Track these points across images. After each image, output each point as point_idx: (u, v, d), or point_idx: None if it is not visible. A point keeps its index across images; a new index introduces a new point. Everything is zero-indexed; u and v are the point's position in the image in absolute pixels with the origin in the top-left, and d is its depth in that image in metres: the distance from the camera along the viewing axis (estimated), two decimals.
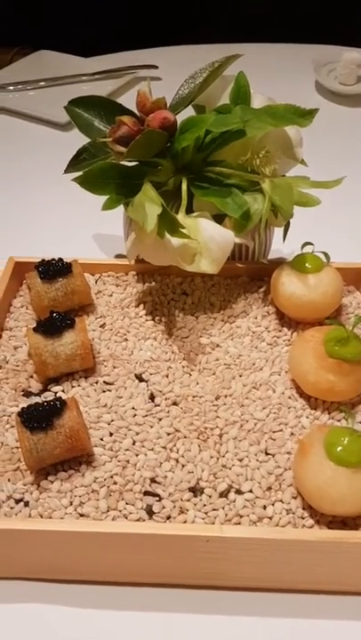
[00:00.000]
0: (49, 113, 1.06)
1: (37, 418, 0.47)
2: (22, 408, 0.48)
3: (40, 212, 0.87)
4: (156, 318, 0.63)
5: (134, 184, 0.60)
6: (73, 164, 0.66)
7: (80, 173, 0.58)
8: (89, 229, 0.83)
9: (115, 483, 0.49)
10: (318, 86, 1.19)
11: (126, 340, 0.61)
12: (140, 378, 0.57)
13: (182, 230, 0.54)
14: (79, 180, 0.58)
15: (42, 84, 1.15)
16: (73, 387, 0.56)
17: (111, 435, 0.52)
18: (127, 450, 0.51)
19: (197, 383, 0.56)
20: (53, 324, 0.55)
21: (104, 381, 0.56)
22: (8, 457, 0.51)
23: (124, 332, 0.61)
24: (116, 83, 1.15)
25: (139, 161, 0.61)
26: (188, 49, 1.31)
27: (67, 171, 0.66)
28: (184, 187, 0.60)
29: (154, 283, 0.66)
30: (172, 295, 0.65)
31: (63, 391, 0.56)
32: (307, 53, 1.25)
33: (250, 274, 0.67)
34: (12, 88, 1.15)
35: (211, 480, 0.49)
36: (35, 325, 0.56)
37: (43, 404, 0.48)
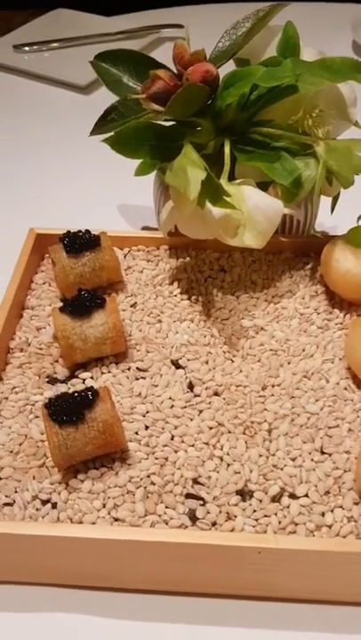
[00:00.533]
0: (68, 74, 0.99)
1: (67, 410, 0.42)
2: (50, 399, 0.43)
3: (60, 181, 0.81)
4: (193, 298, 0.57)
5: (171, 147, 0.53)
6: (100, 126, 0.59)
7: (109, 135, 0.52)
8: (113, 200, 0.76)
9: (152, 483, 0.43)
10: (356, 47, 1.10)
11: (160, 321, 0.55)
12: (176, 364, 0.51)
13: (226, 199, 0.48)
14: (110, 142, 0.51)
15: (59, 44, 1.08)
16: (103, 373, 0.51)
17: (147, 428, 0.47)
18: (165, 446, 0.45)
19: (241, 371, 0.50)
20: (82, 303, 0.49)
21: (137, 367, 0.51)
22: (33, 451, 0.46)
23: (158, 313, 0.55)
24: (139, 43, 1.07)
25: (176, 120, 0.54)
26: (216, 8, 1.23)
27: (93, 132, 0.59)
28: (227, 150, 0.53)
29: (188, 258, 0.60)
30: (209, 272, 0.59)
31: (92, 378, 0.50)
32: (344, 13, 1.17)
33: (294, 249, 0.61)
34: (27, 49, 1.07)
35: (261, 482, 0.43)
36: (60, 305, 0.50)
37: (73, 394, 0.43)
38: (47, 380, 0.50)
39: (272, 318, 0.55)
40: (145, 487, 0.43)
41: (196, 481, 0.44)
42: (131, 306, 0.56)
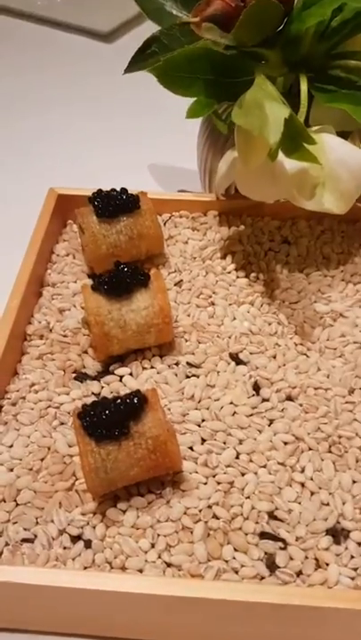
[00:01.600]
0: (89, 20, 0.87)
1: (107, 422, 0.31)
2: (84, 406, 0.32)
3: (83, 138, 0.69)
4: (252, 275, 0.46)
5: (231, 83, 0.42)
6: (138, 60, 0.48)
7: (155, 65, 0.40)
8: (145, 159, 0.65)
9: (215, 516, 0.33)
10: None
11: (213, 304, 0.44)
12: (236, 359, 0.41)
13: (308, 147, 0.37)
14: (157, 72, 0.40)
15: None
16: (144, 369, 0.40)
17: (204, 442, 0.36)
18: (229, 466, 0.35)
19: (319, 369, 0.40)
20: (121, 280, 0.38)
21: (187, 362, 0.40)
22: (58, 469, 0.36)
23: (209, 294, 0.45)
24: None
25: (239, 50, 0.43)
26: None
27: (129, 69, 0.48)
28: (303, 88, 0.42)
29: (242, 227, 0.49)
30: (270, 244, 0.48)
31: (131, 375, 0.40)
32: None
33: None
34: None
35: (358, 518, 0.33)
36: (91, 282, 0.40)
37: (114, 400, 0.32)
38: (74, 375, 0.40)
39: (353, 302, 0.44)
40: (206, 522, 0.33)
41: (272, 515, 0.33)
42: (175, 284, 0.45)
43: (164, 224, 0.50)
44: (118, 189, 0.45)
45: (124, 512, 0.34)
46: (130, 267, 0.39)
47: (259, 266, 0.46)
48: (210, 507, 0.34)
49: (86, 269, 0.47)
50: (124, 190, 0.44)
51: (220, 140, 0.50)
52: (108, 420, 0.31)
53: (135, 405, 0.32)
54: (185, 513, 0.33)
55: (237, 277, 0.46)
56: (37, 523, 0.34)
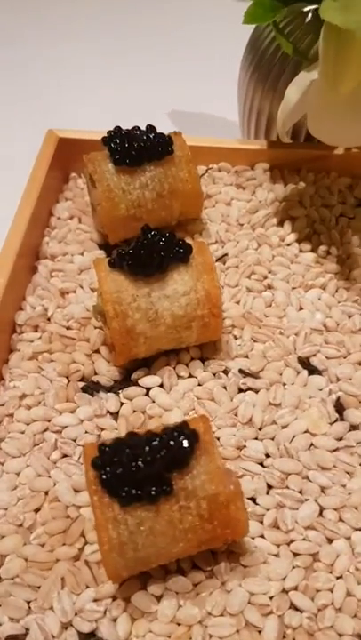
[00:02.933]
0: None
1: (139, 475, 0.20)
2: (101, 448, 0.21)
3: (90, 76, 0.56)
4: (321, 249, 0.34)
5: None
6: None
7: None
8: (169, 99, 0.52)
9: (294, 608, 0.22)
10: None
11: (270, 287, 0.33)
12: (308, 365, 0.29)
13: None
14: None
15: None
16: (180, 377, 0.29)
17: (270, 489, 0.25)
18: (309, 528, 0.24)
19: None
20: (152, 253, 0.26)
21: (240, 370, 0.29)
22: (60, 527, 0.24)
23: (264, 274, 0.33)
24: None
25: None
26: None
27: None
28: None
29: (303, 184, 0.37)
30: (341, 208, 0.36)
31: (162, 386, 0.29)
32: None
33: None
34: None
35: None
36: (108, 256, 0.28)
37: (148, 439, 0.21)
38: (82, 385, 0.29)
39: None
40: (280, 616, 0.22)
41: None
42: (217, 260, 0.34)
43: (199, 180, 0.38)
44: (144, 127, 0.32)
45: (159, 599, 0.23)
46: (164, 234, 0.27)
47: (329, 236, 0.35)
48: (285, 592, 0.23)
49: (97, 237, 0.35)
50: (151, 129, 0.32)
51: (272, 74, 0.37)
52: (142, 472, 0.20)
53: (182, 447, 0.21)
54: (249, 602, 0.23)
55: (301, 252, 0.34)
56: (29, 610, 0.23)
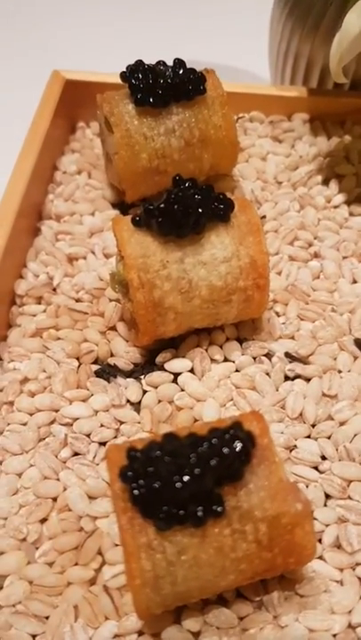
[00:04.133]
0: None
1: (181, 492, 0.15)
2: (130, 454, 0.16)
3: (98, 16, 0.50)
4: None
5: None
6: None
7: None
8: (189, 40, 0.46)
9: None
10: None
11: (318, 256, 0.28)
12: None
13: None
14: None
15: None
16: (213, 361, 0.24)
17: (328, 499, 0.21)
18: None
19: None
20: (186, 208, 0.21)
21: (287, 354, 0.24)
22: (72, 543, 0.20)
23: (310, 240, 0.28)
24: None
25: None
26: None
27: None
28: None
29: (349, 137, 0.32)
30: None
31: (192, 372, 0.24)
32: None
33: None
34: None
35: None
36: (129, 215, 0.23)
37: (194, 442, 0.16)
38: (95, 369, 0.24)
39: None
40: None
41: None
42: None
43: None
44: (173, 62, 0.27)
45: (196, 636, 0.18)
46: (200, 186, 0.22)
47: None
48: (352, 628, 0.19)
49: (110, 195, 0.30)
50: (180, 63, 0.27)
51: (314, 12, 0.32)
52: (187, 488, 0.15)
53: (236, 455, 0.16)
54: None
55: (351, 215, 0.29)
56: None
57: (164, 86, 0.26)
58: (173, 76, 0.26)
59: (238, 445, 0.16)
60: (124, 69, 0.27)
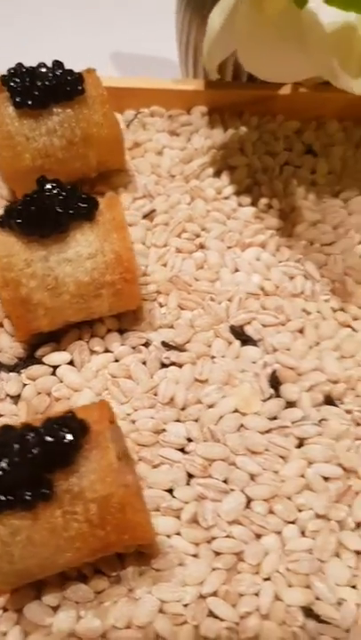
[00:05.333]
0: None
1: (11, 476, 0.17)
2: None
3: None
4: (262, 202, 0.30)
5: None
6: None
7: None
8: (99, 33, 0.47)
9: (214, 616, 0.19)
10: None
11: (202, 247, 0.29)
12: (242, 335, 0.26)
13: None
14: None
15: None
16: (93, 353, 0.25)
17: (190, 479, 0.22)
18: (234, 523, 0.21)
19: None
20: (47, 208, 0.22)
21: (163, 342, 0.25)
22: None
23: (197, 232, 0.29)
24: None
25: None
26: None
27: None
28: None
29: (245, 129, 0.33)
30: (287, 155, 0.32)
31: (71, 363, 0.25)
32: None
33: None
34: None
35: None
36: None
37: (24, 432, 0.17)
38: None
39: None
40: (196, 626, 0.19)
41: (310, 612, 0.20)
42: (144, 217, 0.30)
43: (128, 126, 0.33)
44: (51, 64, 0.28)
45: (55, 609, 0.20)
46: (62, 186, 0.23)
47: (272, 188, 0.31)
48: (203, 598, 0.20)
49: (7, 193, 0.31)
50: (57, 65, 0.28)
51: (207, 4, 0.32)
52: (10, 475, 0.16)
53: (62, 443, 0.17)
54: (160, 611, 0.19)
55: (240, 206, 0.30)
56: None
57: (42, 88, 0.27)
58: (52, 77, 0.27)
59: (64, 434, 0.17)
60: (6, 72, 0.28)
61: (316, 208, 0.30)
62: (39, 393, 0.24)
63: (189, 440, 0.23)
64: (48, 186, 0.23)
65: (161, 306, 0.27)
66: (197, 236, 0.29)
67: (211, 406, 0.24)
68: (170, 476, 0.22)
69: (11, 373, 0.25)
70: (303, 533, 0.21)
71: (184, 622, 0.19)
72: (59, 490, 0.17)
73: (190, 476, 0.22)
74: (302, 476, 0.22)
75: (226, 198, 0.30)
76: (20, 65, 0.28)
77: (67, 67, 0.28)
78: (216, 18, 0.25)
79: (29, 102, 0.27)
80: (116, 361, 0.25)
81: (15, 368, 0.25)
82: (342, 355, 0.25)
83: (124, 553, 0.20)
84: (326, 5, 0.23)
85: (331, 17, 0.23)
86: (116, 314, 0.25)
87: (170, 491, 0.22)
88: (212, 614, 0.20)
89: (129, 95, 0.34)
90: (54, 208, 0.22)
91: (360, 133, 0.33)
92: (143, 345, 0.25)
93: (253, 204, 0.30)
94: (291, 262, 0.28)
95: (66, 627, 0.19)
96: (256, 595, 0.20)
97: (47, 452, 0.17)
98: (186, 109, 0.34)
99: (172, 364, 0.25)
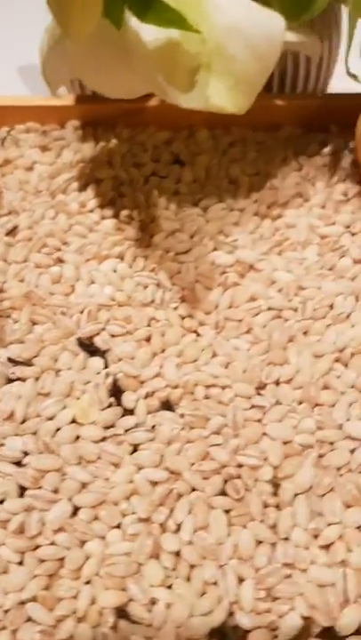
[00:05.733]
0: None
1: None
2: None
3: None
4: (123, 214, 0.31)
5: None
6: None
7: None
8: None
9: (31, 620, 0.20)
10: None
11: (61, 261, 0.29)
12: (90, 346, 0.27)
13: (173, 6, 0.22)
14: None
15: None
16: None
17: (23, 492, 0.23)
18: (60, 531, 0.22)
19: (215, 354, 0.26)
20: None
21: (9, 358, 0.26)
22: None
23: (57, 246, 0.30)
24: None
25: None
26: None
27: None
28: None
29: (116, 141, 0.34)
30: (154, 166, 0.33)
31: None
32: None
33: (303, 119, 0.35)
34: None
35: (262, 608, 0.20)
36: None
37: None
38: None
39: (270, 247, 0.29)
40: (13, 630, 0.20)
41: (123, 612, 0.21)
42: (7, 233, 0.30)
43: (2, 143, 0.34)
44: None
45: None
46: None
47: (134, 199, 0.31)
48: (22, 604, 0.21)
49: None
50: None
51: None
52: None
53: None
54: None
55: (102, 218, 0.31)
56: None
57: None
58: None
59: None
60: None
61: (176, 217, 0.31)
62: None
63: (26, 454, 0.24)
64: None
65: (15, 322, 0.27)
66: (58, 250, 0.30)
67: (50, 419, 0.24)
68: (1, 488, 0.23)
69: None
70: (124, 538, 0.22)
71: (3, 628, 0.20)
72: None
73: (23, 489, 0.23)
74: (131, 481, 0.23)
75: (90, 212, 0.31)
76: None
77: None
78: (46, 38, 0.26)
79: None
80: None
81: None
82: (184, 360, 0.26)
83: None
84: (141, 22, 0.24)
85: (153, 34, 0.24)
86: None
87: (2, 502, 0.23)
88: (30, 619, 0.20)
89: (3, 113, 0.34)
90: None
91: (228, 140, 0.34)
92: None
93: (116, 216, 0.31)
94: (145, 272, 0.29)
95: None
96: (75, 597, 0.21)
97: None
98: (60, 124, 0.35)
99: (19, 379, 0.26)
